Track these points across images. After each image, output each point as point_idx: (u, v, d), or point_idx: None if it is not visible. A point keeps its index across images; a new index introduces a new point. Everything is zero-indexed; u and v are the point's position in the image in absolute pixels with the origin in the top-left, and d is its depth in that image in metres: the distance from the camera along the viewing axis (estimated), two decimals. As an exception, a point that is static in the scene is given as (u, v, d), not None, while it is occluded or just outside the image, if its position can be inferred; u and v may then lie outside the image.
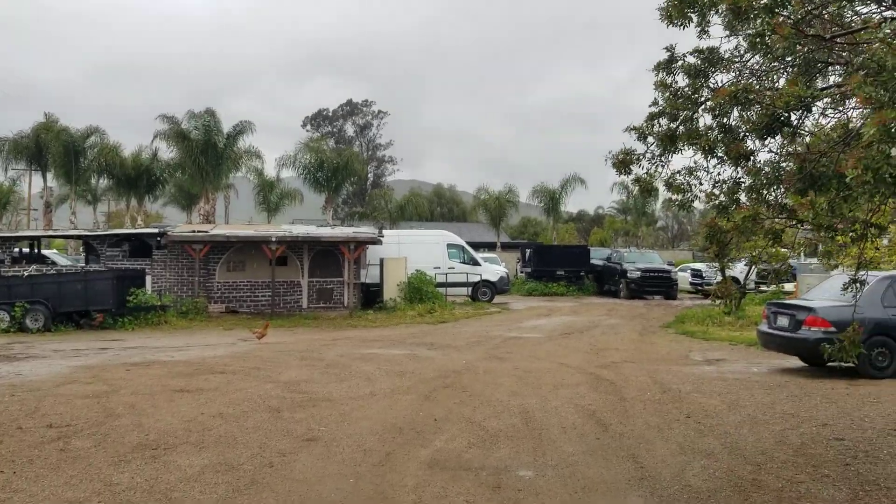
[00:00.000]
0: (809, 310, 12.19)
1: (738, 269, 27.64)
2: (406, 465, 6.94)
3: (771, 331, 13.06)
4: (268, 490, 6.22)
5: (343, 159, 47.85)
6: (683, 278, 36.37)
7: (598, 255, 37.90)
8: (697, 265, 37.94)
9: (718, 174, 6.17)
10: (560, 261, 36.38)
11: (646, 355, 15.08)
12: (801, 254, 26.38)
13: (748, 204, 5.88)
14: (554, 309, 27.41)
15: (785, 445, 7.60)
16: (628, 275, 33.19)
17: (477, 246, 38.76)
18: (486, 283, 30.56)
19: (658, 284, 33.38)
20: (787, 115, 5.37)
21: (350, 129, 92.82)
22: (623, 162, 6.13)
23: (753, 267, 22.95)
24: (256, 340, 16.79)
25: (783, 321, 12.74)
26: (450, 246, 30.45)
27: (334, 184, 47.68)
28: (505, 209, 51.28)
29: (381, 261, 26.50)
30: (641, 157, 6.17)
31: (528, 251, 39.02)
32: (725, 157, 5.86)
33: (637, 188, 6.60)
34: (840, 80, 5.83)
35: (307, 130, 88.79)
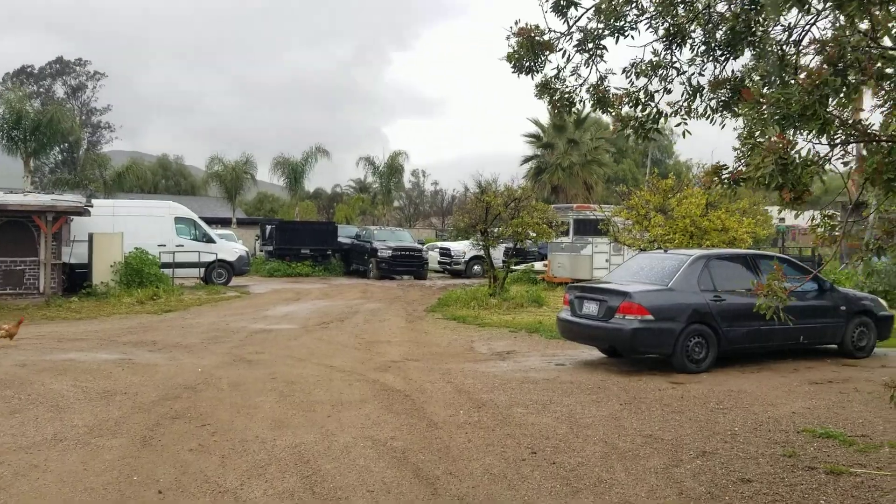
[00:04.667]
0: (624, 295, 10.43)
1: (501, 250, 26.52)
2: None
3: (576, 319, 11.19)
4: None
5: (47, 115, 40.21)
6: (432, 257, 35.02)
7: (345, 234, 35.27)
8: (446, 244, 36.76)
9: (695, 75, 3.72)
10: (306, 239, 33.21)
11: (426, 349, 12.66)
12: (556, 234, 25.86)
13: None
14: (302, 292, 24.29)
15: (687, 498, 5.41)
16: (379, 254, 30.96)
17: (210, 221, 34.25)
18: (222, 263, 26.49)
19: (409, 264, 31.56)
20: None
21: (60, 90, 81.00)
22: (530, 49, 3.41)
23: (518, 244, 21.66)
24: None
25: (591, 308, 10.91)
26: (179, 220, 25.95)
27: (34, 145, 39.94)
28: (242, 181, 46.71)
29: (91, 236, 21.56)
30: (558, 41, 3.49)
31: (269, 227, 35.29)
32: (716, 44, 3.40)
33: (547, 103, 3.94)
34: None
35: (7, 88, 76.03)
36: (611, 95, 4.50)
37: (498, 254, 25.78)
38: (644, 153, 68.70)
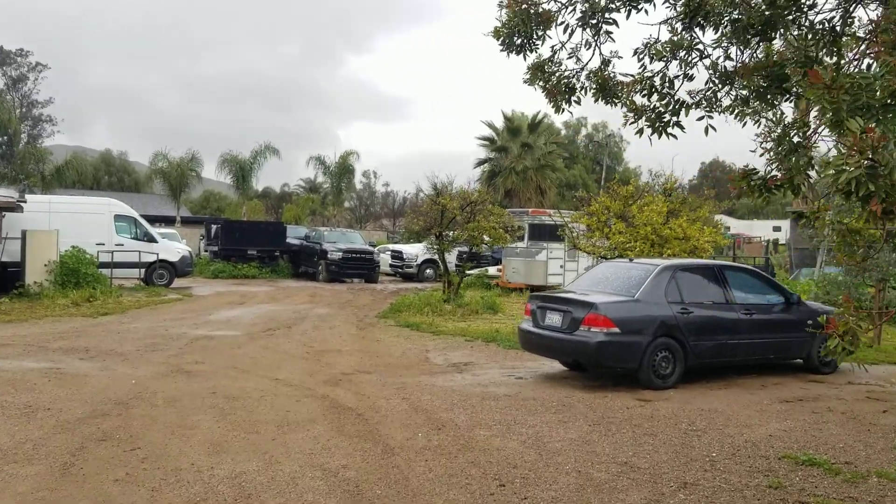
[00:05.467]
0: (590, 306, 9.92)
1: (455, 254, 25.93)
2: None
3: (538, 331, 10.65)
4: None
5: (-22, 106, 38.33)
6: (384, 260, 34.29)
7: (294, 234, 34.28)
8: (398, 246, 36.06)
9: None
10: (253, 239, 32.11)
11: (379, 360, 11.99)
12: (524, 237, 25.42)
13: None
14: (248, 295, 23.35)
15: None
16: (329, 256, 30.13)
17: (153, 220, 33.02)
18: (164, 263, 25.34)
19: (360, 266, 30.80)
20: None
21: (0, 81, 77.90)
22: (525, 22, 2.81)
23: (474, 249, 21.12)
24: None
25: (554, 319, 10.38)
26: (119, 218, 24.73)
27: (-37, 137, 38.03)
28: (187, 179, 45.25)
29: (24, 233, 20.32)
30: (559, 13, 2.90)
31: (214, 227, 34.08)
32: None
33: (541, 90, 3.33)
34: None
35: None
36: (617, 82, 3.91)
37: (452, 258, 25.24)
38: (595, 160, 69.03)
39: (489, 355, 12.71)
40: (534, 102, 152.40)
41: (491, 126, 50.94)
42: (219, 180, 49.35)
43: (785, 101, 3.52)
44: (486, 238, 20.50)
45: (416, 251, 31.74)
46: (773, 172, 3.36)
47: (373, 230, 64.83)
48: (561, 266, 25.56)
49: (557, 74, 3.73)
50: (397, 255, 33.99)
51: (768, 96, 3.87)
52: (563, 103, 4.24)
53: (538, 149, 49.26)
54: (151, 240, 25.15)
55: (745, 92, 3.92)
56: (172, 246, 26.57)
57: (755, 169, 3.49)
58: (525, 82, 4.01)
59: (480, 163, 51.09)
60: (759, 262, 33.65)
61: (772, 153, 3.37)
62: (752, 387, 10.31)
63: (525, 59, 3.65)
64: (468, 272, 25.20)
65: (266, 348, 12.96)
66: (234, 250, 31.45)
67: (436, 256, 22.56)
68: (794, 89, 3.47)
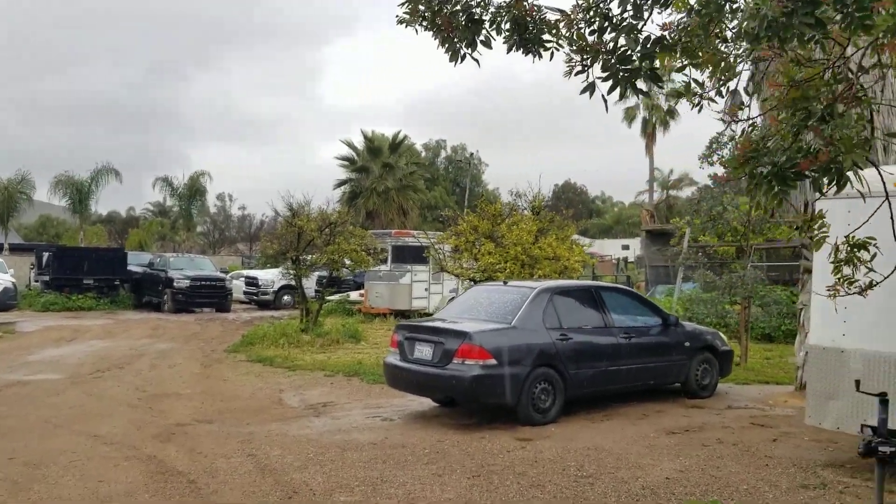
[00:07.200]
0: (463, 335, 8.88)
1: (314, 279, 24.42)
2: None
3: (406, 365, 9.49)
4: None
5: None
6: (237, 287, 32.16)
7: (137, 261, 31.50)
8: (253, 272, 33.97)
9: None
10: (89, 267, 29.14)
11: (224, 404, 10.46)
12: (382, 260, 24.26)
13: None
14: (81, 329, 20.84)
15: None
16: (175, 284, 27.76)
17: (-29, 247, 29.43)
18: (-20, 296, 22.40)
19: (210, 295, 28.61)
20: None
21: None
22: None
23: (334, 273, 19.80)
24: None
25: (425, 351, 9.27)
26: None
27: None
28: (16, 202, 41.14)
29: None
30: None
31: (45, 255, 30.80)
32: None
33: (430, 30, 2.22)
34: None
35: None
36: (542, 17, 2.84)
37: (311, 283, 23.77)
38: (455, 181, 69.22)
39: (351, 392, 11.45)
40: (394, 122, 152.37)
41: (350, 145, 49.65)
42: (51, 202, 45.25)
43: (815, 36, 2.58)
44: (348, 261, 19.26)
45: (272, 277, 29.91)
46: (814, 146, 2.46)
47: (227, 255, 61.80)
48: (426, 289, 24.65)
49: (450, 6, 2.66)
50: (252, 282, 31.98)
51: (794, 23, 2.72)
52: (464, 46, 3.16)
53: (399, 169, 48.44)
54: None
55: (753, 25, 2.77)
56: (-8, 277, 23.56)
57: (765, 148, 2.54)
58: (401, 23, 2.92)
59: (341, 183, 49.61)
60: (621, 280, 34.19)
61: (801, 116, 2.42)
62: (633, 416, 9.62)
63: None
64: (328, 298, 23.80)
65: (90, 395, 11.11)
66: (68, 280, 28.43)
67: (293, 282, 21.07)
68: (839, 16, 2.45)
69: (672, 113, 51.79)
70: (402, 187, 47.86)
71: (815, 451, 7.87)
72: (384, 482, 6.60)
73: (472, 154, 65.94)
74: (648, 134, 52.36)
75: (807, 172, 2.69)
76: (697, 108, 3.53)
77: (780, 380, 12.60)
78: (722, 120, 3.38)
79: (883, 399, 5.19)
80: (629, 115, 52.55)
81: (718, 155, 14.19)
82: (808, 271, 11.12)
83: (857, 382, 5.45)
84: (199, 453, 7.57)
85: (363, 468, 7.04)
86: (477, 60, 3.41)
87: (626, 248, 62.64)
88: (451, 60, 3.23)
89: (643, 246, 36.93)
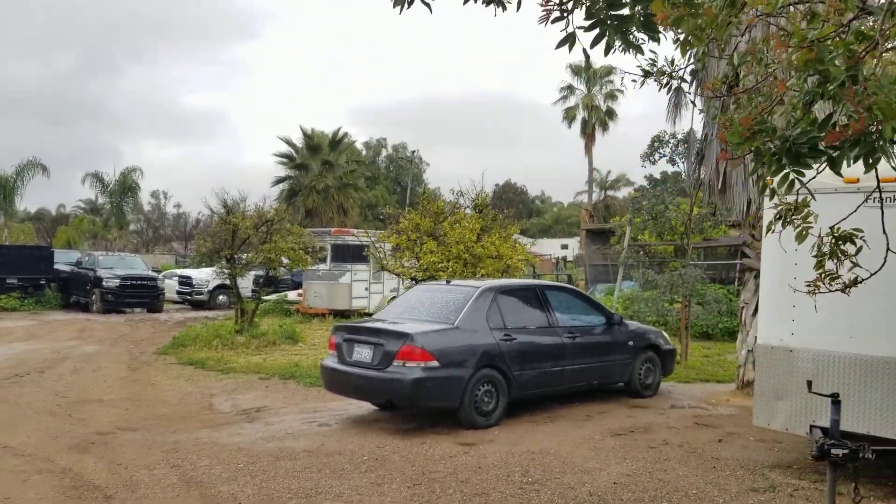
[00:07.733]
0: (404, 337, 8.53)
1: (250, 278, 23.72)
2: None
3: (345, 368, 9.08)
4: None
5: None
6: (171, 286, 31.13)
7: (64, 260, 30.23)
8: (186, 271, 32.93)
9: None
10: (12, 266, 27.79)
11: (150, 410, 9.88)
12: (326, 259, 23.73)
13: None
14: (1, 332, 19.77)
15: None
16: (104, 283, 26.66)
17: None
18: None
19: (141, 294, 27.55)
20: None
21: None
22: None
23: (271, 272, 19.21)
24: None
25: (364, 353, 8.88)
26: None
27: None
28: (-68, 199, 39.17)
29: None
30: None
31: (-37, 254, 29.29)
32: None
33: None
34: None
35: None
36: None
37: (247, 282, 23.09)
38: (396, 180, 68.74)
39: (287, 396, 10.97)
40: (334, 119, 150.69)
41: (288, 142, 48.57)
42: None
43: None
44: (285, 260, 18.70)
45: (206, 276, 29.01)
46: (840, 117, 2.19)
47: (161, 254, 60.11)
48: (366, 289, 24.19)
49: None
50: (186, 281, 30.99)
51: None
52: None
53: (340, 167, 47.72)
54: None
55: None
56: None
57: (773, 125, 2.27)
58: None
59: (279, 181, 48.52)
60: (562, 279, 34.27)
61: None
62: (577, 418, 9.41)
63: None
64: (265, 298, 23.15)
65: (4, 402, 10.38)
66: (-10, 280, 27.09)
67: (228, 281, 20.39)
68: None
69: (611, 114, 52.37)
70: (343, 185, 47.18)
71: (762, 451, 7.77)
72: (319, 493, 6.20)
73: (413, 152, 65.43)
74: (587, 135, 52.85)
75: (826, 148, 2.44)
76: (665, 87, 3.30)
77: (721, 378, 12.59)
78: (692, 102, 3.12)
79: (835, 400, 5.04)
80: (569, 116, 52.97)
81: (660, 153, 14.15)
82: (750, 269, 11.12)
83: (809, 383, 5.30)
84: (119, 465, 7.04)
85: (297, 478, 6.63)
86: (428, 5, 3.11)
87: (565, 247, 63.17)
88: (396, 6, 2.91)
89: (583, 245, 37.12)
